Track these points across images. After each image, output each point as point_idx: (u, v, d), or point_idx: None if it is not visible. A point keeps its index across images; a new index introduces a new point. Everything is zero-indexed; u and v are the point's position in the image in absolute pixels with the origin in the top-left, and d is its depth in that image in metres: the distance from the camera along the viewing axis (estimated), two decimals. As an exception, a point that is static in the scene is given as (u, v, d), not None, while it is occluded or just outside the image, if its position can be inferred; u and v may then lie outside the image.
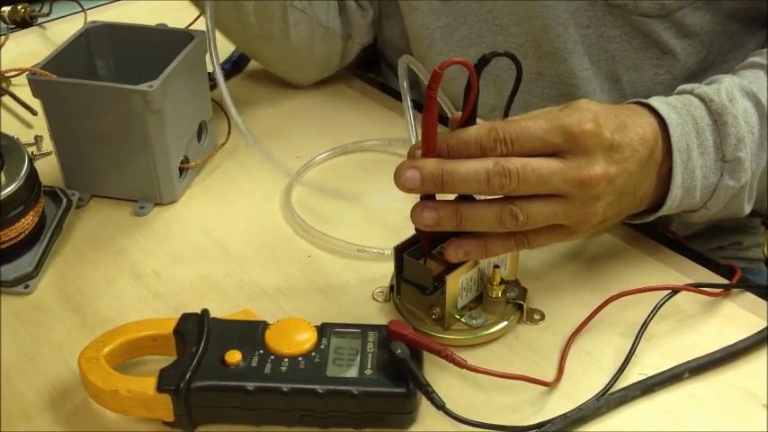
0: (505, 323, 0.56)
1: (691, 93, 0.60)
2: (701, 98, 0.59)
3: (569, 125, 0.51)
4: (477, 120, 0.53)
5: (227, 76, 0.90)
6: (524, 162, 0.50)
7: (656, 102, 0.58)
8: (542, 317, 0.58)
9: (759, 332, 0.55)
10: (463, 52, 0.77)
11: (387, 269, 0.60)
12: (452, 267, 0.54)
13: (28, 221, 0.62)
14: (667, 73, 0.74)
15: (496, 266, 0.55)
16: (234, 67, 0.91)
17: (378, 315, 0.58)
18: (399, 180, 0.50)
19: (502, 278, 0.55)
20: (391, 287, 0.59)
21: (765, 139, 0.61)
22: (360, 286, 0.61)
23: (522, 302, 0.57)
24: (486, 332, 0.55)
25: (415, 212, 0.52)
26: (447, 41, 0.78)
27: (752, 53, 0.69)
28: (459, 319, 0.56)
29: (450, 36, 0.77)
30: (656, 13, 0.70)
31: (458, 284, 0.54)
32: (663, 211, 0.58)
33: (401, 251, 0.55)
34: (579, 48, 0.73)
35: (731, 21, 0.73)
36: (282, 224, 0.68)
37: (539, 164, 0.50)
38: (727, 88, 0.60)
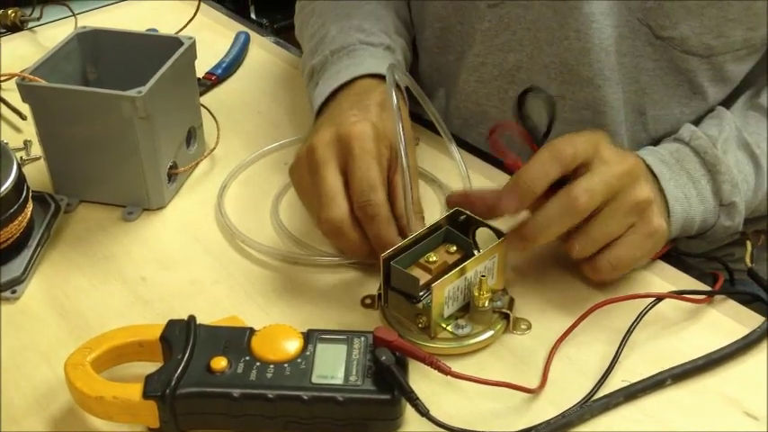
0: (492, 332, 0.56)
1: (687, 144, 0.65)
2: (696, 151, 0.65)
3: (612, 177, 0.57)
4: None
5: (218, 82, 0.90)
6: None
7: (649, 157, 0.63)
8: (529, 326, 0.58)
9: (741, 339, 0.55)
10: (501, 57, 0.77)
11: (374, 277, 0.61)
12: (439, 276, 0.54)
13: (16, 226, 0.62)
14: (693, 113, 0.74)
15: (483, 276, 0.55)
16: (225, 72, 0.91)
17: (364, 322, 0.59)
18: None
19: (489, 287, 0.56)
20: (378, 295, 0.59)
21: (760, 187, 0.67)
22: (347, 293, 0.61)
23: (508, 312, 0.57)
24: (472, 341, 0.56)
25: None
26: (486, 45, 0.77)
27: None
28: (445, 329, 0.56)
29: (491, 41, 0.77)
30: (699, 53, 0.70)
31: (444, 293, 0.54)
32: None
33: (389, 260, 0.56)
34: (615, 76, 0.72)
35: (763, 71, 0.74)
36: (271, 231, 0.68)
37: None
38: (724, 139, 0.65)
